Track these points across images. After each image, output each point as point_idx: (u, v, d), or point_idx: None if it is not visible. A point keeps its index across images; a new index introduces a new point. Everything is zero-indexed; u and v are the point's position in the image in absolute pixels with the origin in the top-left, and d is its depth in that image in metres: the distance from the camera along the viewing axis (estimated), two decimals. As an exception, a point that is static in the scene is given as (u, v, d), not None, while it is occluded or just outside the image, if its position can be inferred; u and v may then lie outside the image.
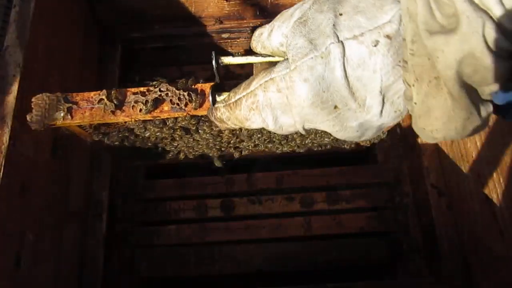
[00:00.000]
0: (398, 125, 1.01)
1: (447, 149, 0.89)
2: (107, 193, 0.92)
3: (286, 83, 0.42)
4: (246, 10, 0.99)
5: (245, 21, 1.03)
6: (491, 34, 0.32)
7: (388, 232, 0.94)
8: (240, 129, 0.70)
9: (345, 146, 0.95)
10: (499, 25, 0.32)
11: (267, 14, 1.01)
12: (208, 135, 0.71)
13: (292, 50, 0.41)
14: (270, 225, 0.94)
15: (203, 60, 1.12)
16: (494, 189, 0.71)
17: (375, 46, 0.39)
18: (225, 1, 0.97)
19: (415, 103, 0.38)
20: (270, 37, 0.46)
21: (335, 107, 0.42)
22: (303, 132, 0.46)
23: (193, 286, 1.07)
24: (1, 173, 0.60)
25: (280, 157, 1.03)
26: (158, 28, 1.03)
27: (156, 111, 0.58)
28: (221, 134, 0.75)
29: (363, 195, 0.96)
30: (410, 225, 0.92)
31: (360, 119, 0.42)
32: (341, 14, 0.40)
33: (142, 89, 0.59)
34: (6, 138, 0.62)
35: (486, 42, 0.32)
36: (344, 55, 0.39)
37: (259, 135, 0.78)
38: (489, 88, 0.35)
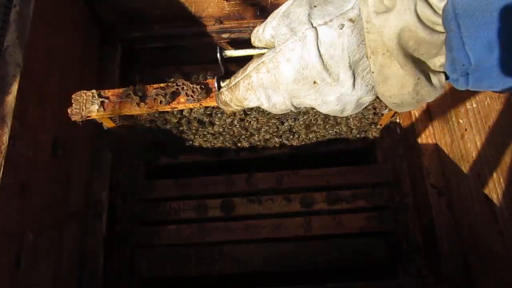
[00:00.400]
0: (398, 125, 1.01)
1: (447, 149, 0.89)
2: (107, 193, 0.92)
3: (273, 63, 0.51)
4: (246, 10, 0.99)
5: (245, 21, 1.03)
6: (422, 10, 0.40)
7: (388, 232, 0.94)
8: (249, 122, 0.84)
9: (350, 137, 0.96)
10: (429, 3, 0.39)
11: (267, 14, 1.00)
12: (220, 127, 0.82)
13: (277, 37, 0.50)
14: (270, 225, 0.94)
15: (203, 60, 1.12)
16: (494, 189, 0.71)
17: (341, 29, 0.47)
18: (225, 1, 0.97)
19: (373, 72, 0.47)
20: (264, 32, 0.53)
21: (314, 82, 0.50)
22: (293, 109, 0.54)
23: (193, 286, 1.07)
24: (1, 173, 0.60)
25: (280, 156, 1.03)
26: (158, 28, 1.03)
27: (174, 102, 0.68)
28: (232, 128, 0.86)
29: (363, 195, 0.96)
30: (410, 225, 0.92)
31: (337, 93, 0.50)
32: (315, 6, 0.49)
33: (161, 84, 0.69)
34: (6, 138, 0.62)
35: (418, 17, 0.40)
36: (317, 38, 0.48)
37: (266, 128, 0.89)
38: (438, 60, 0.43)
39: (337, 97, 0.51)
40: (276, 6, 0.98)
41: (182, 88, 0.68)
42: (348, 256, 0.92)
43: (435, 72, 0.45)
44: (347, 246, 0.92)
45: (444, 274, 0.83)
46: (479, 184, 0.76)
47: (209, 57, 1.12)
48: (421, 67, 0.45)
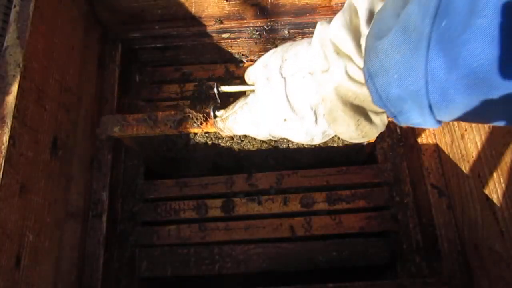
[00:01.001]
0: (398, 125, 1.01)
1: (447, 149, 0.89)
2: (107, 193, 0.92)
3: (253, 104, 0.65)
4: (246, 10, 0.99)
5: (245, 21, 1.03)
6: (351, 71, 0.53)
7: (388, 232, 0.94)
8: (246, 144, 1.02)
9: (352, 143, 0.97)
10: (356, 65, 0.52)
11: (267, 14, 1.01)
12: (226, 140, 1.01)
13: (257, 82, 0.65)
14: (270, 225, 0.94)
15: (203, 60, 1.12)
16: (494, 189, 0.71)
17: (303, 79, 0.59)
18: (225, 1, 0.97)
19: (324, 115, 0.59)
20: (250, 76, 0.68)
21: (285, 119, 0.62)
22: (273, 138, 0.68)
23: (193, 286, 1.07)
24: (1, 173, 0.60)
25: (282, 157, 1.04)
26: (158, 28, 1.03)
27: (181, 127, 0.82)
28: (232, 147, 1.02)
29: (363, 195, 0.96)
30: (410, 225, 0.92)
31: (304, 128, 0.62)
32: (286, 60, 0.62)
33: (172, 112, 0.84)
34: (6, 138, 0.62)
35: (349, 76, 0.53)
36: (285, 86, 0.61)
37: (261, 148, 1.04)
38: (375, 106, 0.52)
39: (305, 131, 0.62)
40: (276, 6, 0.98)
41: (189, 116, 0.82)
42: (348, 256, 0.92)
43: (377, 112, 0.56)
44: (347, 246, 0.92)
45: (444, 274, 0.83)
46: (479, 184, 0.76)
47: (209, 57, 1.12)
48: (362, 111, 0.56)
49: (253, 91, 0.67)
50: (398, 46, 0.43)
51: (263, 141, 1.01)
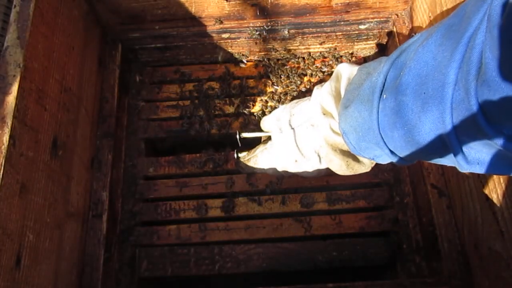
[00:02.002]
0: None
1: (447, 149, 0.89)
2: (107, 193, 0.92)
3: (271, 149, 0.84)
4: (246, 10, 1.00)
5: (245, 21, 1.03)
6: (334, 127, 0.71)
7: (388, 232, 0.94)
8: None
9: None
10: (336, 120, 0.69)
11: (267, 14, 1.01)
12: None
13: (272, 133, 0.84)
14: (270, 225, 0.94)
15: (203, 60, 1.12)
16: (494, 189, 0.71)
17: (307, 129, 0.77)
18: (225, 1, 0.97)
19: (322, 157, 0.77)
20: (265, 125, 0.90)
21: (296, 160, 0.80)
22: (285, 174, 0.87)
23: (193, 286, 1.07)
24: (1, 173, 0.60)
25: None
26: (158, 28, 1.03)
27: (205, 167, 1.01)
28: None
29: (363, 195, 0.96)
30: (410, 225, 0.92)
31: (310, 166, 0.80)
32: (293, 114, 0.81)
33: (198, 155, 1.02)
34: (6, 138, 0.62)
35: (333, 130, 0.71)
36: (294, 135, 0.79)
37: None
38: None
39: (311, 168, 0.80)
40: (276, 6, 0.99)
41: (212, 158, 1.00)
42: (348, 256, 0.92)
43: (358, 155, 0.69)
44: (347, 246, 0.92)
45: (444, 274, 0.83)
46: (479, 184, 0.76)
47: (209, 57, 1.12)
48: (349, 154, 0.72)
49: (268, 137, 0.89)
50: (358, 112, 0.57)
51: None
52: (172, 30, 1.04)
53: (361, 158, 0.73)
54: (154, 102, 1.08)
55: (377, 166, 0.98)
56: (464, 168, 0.46)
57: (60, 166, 0.79)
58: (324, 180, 0.98)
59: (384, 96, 0.51)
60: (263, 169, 0.88)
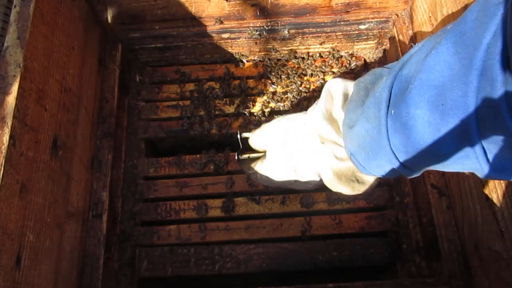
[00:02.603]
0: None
1: (447, 149, 0.89)
2: (107, 193, 0.92)
3: (267, 167, 0.84)
4: (246, 10, 1.00)
5: (245, 21, 1.03)
6: (338, 153, 0.71)
7: (388, 232, 0.94)
8: None
9: None
10: (341, 146, 0.69)
11: (267, 14, 1.01)
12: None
13: (267, 151, 0.85)
14: (270, 225, 0.94)
15: (203, 60, 1.12)
16: (494, 189, 0.71)
17: (305, 154, 0.76)
18: (225, 1, 0.97)
19: (324, 179, 0.76)
20: (255, 142, 0.91)
21: (295, 181, 0.80)
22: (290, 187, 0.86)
23: (193, 286, 1.07)
24: (1, 173, 0.60)
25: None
26: (158, 28, 1.03)
27: (205, 168, 1.01)
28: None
29: (363, 195, 0.96)
30: (410, 225, 0.92)
31: (309, 180, 0.79)
32: (288, 136, 0.81)
33: (198, 156, 1.02)
34: (6, 138, 0.62)
35: (336, 157, 0.70)
36: (292, 159, 0.79)
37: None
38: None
39: (310, 180, 0.79)
40: (276, 6, 0.99)
41: (212, 160, 1.00)
42: (348, 256, 0.92)
43: (366, 176, 0.71)
44: (347, 246, 0.92)
45: (444, 274, 0.83)
46: (479, 184, 0.76)
47: (209, 57, 1.12)
48: (354, 178, 0.73)
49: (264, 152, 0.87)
50: (366, 131, 0.55)
51: None
52: (172, 30, 1.04)
53: (365, 178, 0.72)
54: (154, 102, 1.08)
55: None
56: (487, 175, 0.45)
57: (60, 166, 0.79)
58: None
59: (392, 111, 0.49)
60: (267, 181, 0.87)
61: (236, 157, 0.90)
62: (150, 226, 0.96)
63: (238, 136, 0.91)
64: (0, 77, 0.65)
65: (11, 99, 0.64)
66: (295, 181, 0.79)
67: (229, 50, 1.10)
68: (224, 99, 1.07)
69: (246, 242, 0.94)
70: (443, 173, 0.90)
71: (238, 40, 1.07)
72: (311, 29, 1.05)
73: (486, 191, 0.74)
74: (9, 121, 0.63)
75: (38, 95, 0.71)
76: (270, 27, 1.03)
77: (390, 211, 0.95)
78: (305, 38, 1.07)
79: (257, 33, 1.04)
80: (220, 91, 1.07)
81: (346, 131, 0.62)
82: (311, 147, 0.74)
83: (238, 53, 1.11)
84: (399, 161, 0.53)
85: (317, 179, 0.76)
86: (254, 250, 0.93)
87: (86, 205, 0.89)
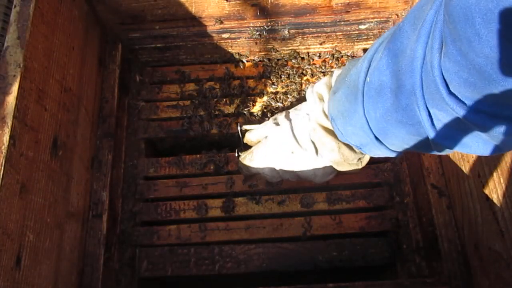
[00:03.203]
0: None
1: (447, 149, 0.89)
2: (107, 193, 0.92)
3: (266, 143, 0.82)
4: (247, 10, 1.00)
5: (245, 21, 1.03)
6: (326, 107, 0.71)
7: (388, 232, 0.94)
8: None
9: None
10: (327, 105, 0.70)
11: (267, 14, 1.01)
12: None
13: (269, 129, 0.84)
14: (270, 225, 0.94)
15: (203, 60, 1.12)
16: (494, 189, 0.71)
17: (303, 118, 0.78)
18: (225, 1, 0.97)
19: (316, 142, 0.77)
20: (253, 136, 0.90)
21: (292, 152, 0.78)
22: (283, 177, 0.85)
23: (193, 286, 1.07)
24: (1, 173, 0.60)
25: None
26: (158, 28, 1.03)
27: (205, 168, 1.00)
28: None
29: (363, 195, 0.96)
30: (410, 225, 0.92)
31: (307, 159, 0.78)
32: (289, 111, 0.82)
33: (198, 156, 1.01)
34: (6, 138, 0.62)
35: (324, 113, 0.72)
36: (291, 125, 0.79)
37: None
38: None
39: (308, 164, 0.79)
40: (276, 6, 0.98)
41: (212, 160, 0.99)
42: (348, 256, 0.92)
43: (346, 142, 0.70)
44: (347, 246, 0.92)
45: (444, 274, 0.83)
46: (479, 184, 0.76)
47: (209, 57, 1.12)
48: (347, 149, 0.74)
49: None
50: (345, 96, 0.60)
51: None
52: (172, 30, 1.04)
53: (353, 146, 0.74)
54: (154, 102, 1.08)
55: (377, 166, 0.99)
56: (436, 144, 0.48)
57: (60, 166, 0.79)
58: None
59: (368, 79, 0.54)
60: (259, 168, 0.85)
61: (236, 155, 0.90)
62: (150, 226, 0.96)
63: (239, 128, 0.92)
64: (0, 77, 0.65)
65: (11, 99, 0.64)
66: (292, 153, 0.80)
67: (229, 50, 1.10)
68: (224, 99, 1.07)
69: (246, 242, 0.94)
70: (443, 173, 0.90)
71: (238, 40, 1.07)
72: (311, 29, 1.05)
73: (486, 191, 0.74)
74: (9, 121, 0.63)
75: (38, 95, 0.71)
76: (270, 27, 1.03)
77: (390, 211, 0.95)
78: (305, 38, 1.07)
79: (257, 33, 1.04)
80: (220, 91, 1.07)
81: (330, 96, 0.67)
82: (309, 108, 0.78)
83: (238, 53, 1.11)
84: (370, 129, 0.56)
85: (313, 150, 0.77)
86: (254, 250, 0.93)
87: (86, 205, 0.89)
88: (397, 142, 0.57)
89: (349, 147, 0.74)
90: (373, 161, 1.02)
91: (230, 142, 1.04)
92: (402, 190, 0.96)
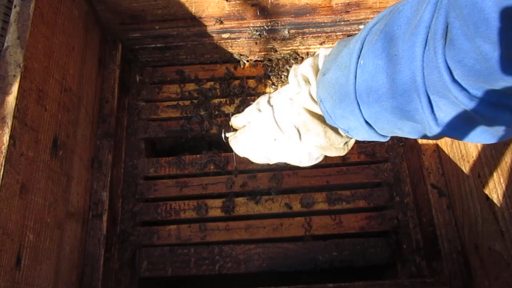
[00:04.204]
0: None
1: (447, 149, 0.89)
2: (107, 193, 0.92)
3: (250, 129, 0.77)
4: (247, 10, 0.99)
5: (245, 21, 1.03)
6: (312, 91, 0.67)
7: (388, 232, 0.94)
8: None
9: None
10: (314, 88, 0.66)
11: (267, 14, 1.01)
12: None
13: (251, 116, 0.78)
14: (270, 225, 0.94)
15: (203, 60, 1.12)
16: (494, 189, 0.71)
17: (285, 103, 0.73)
18: (225, 1, 0.97)
19: (300, 128, 0.71)
20: (238, 121, 0.82)
21: (275, 139, 0.73)
22: (269, 162, 0.76)
23: (193, 286, 1.07)
24: (1, 173, 0.60)
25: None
26: (158, 28, 1.03)
27: (206, 168, 1.01)
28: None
29: (363, 195, 0.96)
30: (410, 225, 0.92)
31: (291, 145, 0.72)
32: (271, 96, 0.76)
33: (198, 156, 1.02)
34: (6, 138, 0.62)
35: (312, 97, 0.67)
36: (273, 111, 0.74)
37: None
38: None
39: (292, 150, 0.73)
40: (276, 6, 0.98)
41: (212, 160, 1.00)
42: (348, 256, 0.92)
43: (334, 125, 0.66)
44: (347, 246, 0.93)
45: (444, 274, 0.83)
46: (479, 184, 0.76)
47: (209, 57, 1.12)
48: (332, 129, 0.69)
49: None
50: (336, 78, 0.57)
51: None
52: (172, 30, 1.04)
53: (341, 129, 0.69)
54: (154, 102, 1.08)
55: (377, 166, 0.99)
56: (434, 132, 0.48)
57: (60, 166, 0.79)
58: (324, 180, 0.98)
59: (361, 62, 0.52)
60: (245, 152, 0.80)
61: (223, 135, 0.83)
62: (150, 226, 0.96)
63: (222, 135, 0.87)
64: (0, 77, 0.65)
65: (11, 99, 0.64)
66: (275, 140, 0.75)
67: (229, 50, 1.10)
68: (224, 99, 1.07)
69: (246, 242, 0.94)
70: (443, 173, 0.90)
71: (238, 40, 1.07)
72: (311, 29, 1.05)
73: (486, 191, 0.74)
74: (9, 121, 0.63)
75: (38, 95, 0.71)
76: (270, 27, 1.03)
77: (390, 211, 0.95)
78: (305, 38, 1.07)
79: (257, 33, 1.04)
80: (220, 91, 1.07)
81: (320, 78, 0.64)
82: (292, 92, 0.73)
83: (238, 53, 1.11)
84: (361, 112, 0.55)
85: (296, 135, 0.72)
86: (254, 250, 0.93)
87: (86, 205, 0.89)
88: (388, 127, 0.56)
89: (336, 131, 0.71)
90: (373, 161, 1.02)
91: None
92: (402, 190, 0.96)
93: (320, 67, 0.69)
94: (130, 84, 1.09)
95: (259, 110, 0.78)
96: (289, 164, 0.81)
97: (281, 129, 0.74)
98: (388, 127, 0.56)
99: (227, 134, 0.83)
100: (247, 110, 0.81)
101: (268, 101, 0.77)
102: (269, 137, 0.75)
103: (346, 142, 0.74)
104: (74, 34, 0.86)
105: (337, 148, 0.73)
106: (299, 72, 0.73)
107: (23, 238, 0.65)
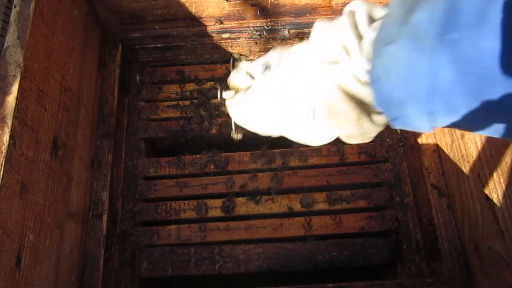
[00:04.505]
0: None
1: (447, 149, 0.89)
2: (107, 193, 0.92)
3: (251, 95, 0.62)
4: (247, 10, 1.00)
5: (245, 21, 1.03)
6: (357, 70, 0.50)
7: (388, 232, 0.94)
8: None
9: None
10: (360, 62, 0.49)
11: (267, 14, 1.01)
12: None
13: (255, 77, 0.64)
14: (270, 225, 0.94)
15: (203, 60, 1.12)
16: (494, 189, 0.71)
17: (310, 73, 0.56)
18: (225, 1, 0.97)
19: (321, 110, 0.56)
20: (237, 79, 0.67)
21: (283, 116, 0.59)
22: (273, 136, 0.63)
23: (193, 286, 1.07)
24: (1, 173, 0.60)
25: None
26: (158, 28, 1.03)
27: (205, 169, 1.01)
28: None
29: (363, 195, 0.96)
30: (410, 225, 0.92)
31: (304, 127, 0.58)
32: (284, 53, 0.62)
33: (198, 156, 1.01)
34: (6, 138, 0.62)
35: (356, 77, 0.50)
36: (285, 79, 0.58)
37: None
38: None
39: (304, 129, 0.59)
40: (276, 6, 0.98)
41: (212, 160, 0.99)
42: (349, 256, 0.92)
43: (379, 112, 0.53)
44: (347, 246, 0.93)
45: (444, 274, 0.83)
46: (479, 184, 0.76)
47: (209, 57, 1.12)
48: (364, 107, 0.53)
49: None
50: (407, 53, 0.43)
51: None
52: (172, 30, 1.04)
53: (374, 116, 0.56)
54: (154, 102, 1.08)
55: (377, 166, 0.99)
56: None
57: (60, 166, 0.79)
58: (324, 180, 0.98)
59: (456, 35, 0.38)
60: (244, 125, 0.67)
61: (218, 95, 0.68)
62: (150, 226, 0.96)
63: (230, 62, 0.73)
64: (0, 77, 0.65)
65: (11, 99, 0.64)
66: (282, 117, 0.60)
67: (229, 50, 1.10)
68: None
69: (246, 242, 0.94)
70: (443, 173, 0.90)
71: (238, 40, 1.07)
72: (311, 29, 1.05)
73: (486, 191, 0.74)
74: (9, 121, 0.63)
75: (38, 95, 0.71)
76: (270, 27, 1.03)
77: (390, 211, 0.95)
78: (305, 38, 1.07)
79: (257, 33, 1.04)
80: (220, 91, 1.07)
81: (379, 47, 0.48)
82: (323, 56, 0.56)
83: (238, 53, 1.11)
84: (434, 102, 0.42)
85: (310, 114, 0.57)
86: (254, 250, 0.93)
87: (86, 205, 0.89)
88: (461, 123, 0.43)
89: (370, 118, 0.55)
90: (373, 161, 1.02)
91: (230, 142, 1.04)
92: (402, 190, 0.96)
93: (367, 29, 0.51)
94: (130, 84, 1.09)
95: (266, 72, 0.61)
96: (295, 142, 0.66)
97: (293, 108, 0.58)
98: (461, 123, 0.44)
99: (224, 95, 0.67)
100: (250, 66, 0.65)
101: (280, 63, 0.60)
102: (276, 114, 0.60)
103: (378, 131, 0.58)
104: (74, 34, 0.86)
105: (365, 137, 0.59)
106: (341, 35, 0.54)
107: (23, 238, 0.65)
